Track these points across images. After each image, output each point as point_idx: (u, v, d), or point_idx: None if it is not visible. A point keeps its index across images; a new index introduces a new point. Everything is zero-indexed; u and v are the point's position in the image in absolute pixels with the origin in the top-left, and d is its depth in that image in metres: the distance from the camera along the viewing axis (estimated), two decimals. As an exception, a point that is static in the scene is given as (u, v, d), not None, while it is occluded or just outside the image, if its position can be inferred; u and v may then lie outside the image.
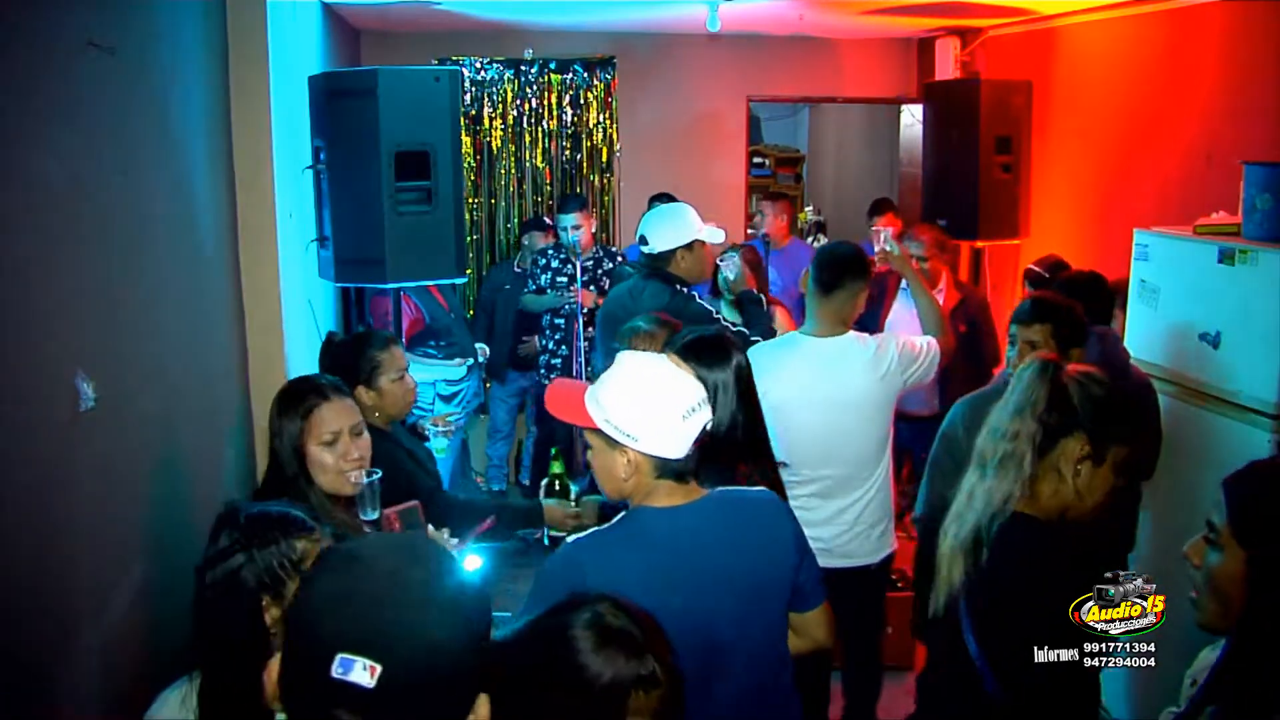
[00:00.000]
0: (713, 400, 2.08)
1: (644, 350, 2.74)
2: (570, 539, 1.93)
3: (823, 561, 2.95)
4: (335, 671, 0.97)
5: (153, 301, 2.49)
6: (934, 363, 3.07)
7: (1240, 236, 3.11)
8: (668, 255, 3.56)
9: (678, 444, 1.80)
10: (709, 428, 1.84)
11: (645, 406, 1.79)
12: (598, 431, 1.84)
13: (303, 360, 3.62)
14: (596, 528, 1.94)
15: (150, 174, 2.53)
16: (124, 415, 2.20)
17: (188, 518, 2.64)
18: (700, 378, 2.08)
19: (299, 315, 3.63)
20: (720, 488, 2.00)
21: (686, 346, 2.25)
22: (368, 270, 3.53)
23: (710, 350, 2.23)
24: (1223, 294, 3.10)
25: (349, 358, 2.67)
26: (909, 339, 3.11)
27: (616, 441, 1.81)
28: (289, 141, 3.56)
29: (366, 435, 2.26)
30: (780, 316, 4.25)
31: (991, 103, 4.88)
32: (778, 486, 2.27)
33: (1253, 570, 1.40)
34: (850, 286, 3.00)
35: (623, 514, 1.91)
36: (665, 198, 5.36)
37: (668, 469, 1.83)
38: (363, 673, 0.97)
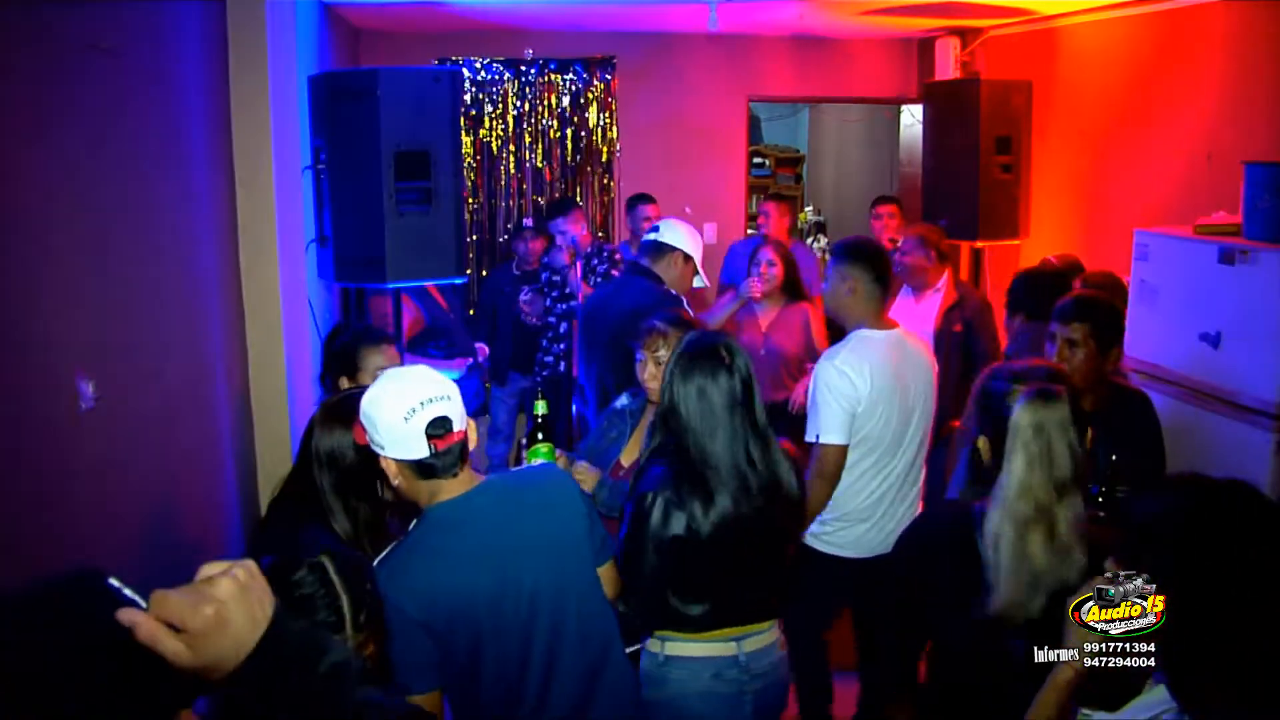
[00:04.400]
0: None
1: (658, 346, 2.76)
2: (375, 562, 1.98)
3: (869, 553, 3.05)
4: None
5: (153, 301, 2.49)
6: None
7: (1240, 236, 3.11)
8: (665, 250, 3.68)
9: (411, 445, 1.89)
10: (455, 425, 1.92)
11: (376, 417, 1.91)
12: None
13: (303, 360, 3.62)
14: (394, 543, 2.02)
15: (150, 174, 2.52)
16: (124, 415, 2.20)
17: (188, 518, 2.64)
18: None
19: (299, 315, 3.63)
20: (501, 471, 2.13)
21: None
22: (368, 270, 3.54)
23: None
24: (1223, 294, 3.10)
25: (343, 348, 2.82)
26: None
27: (377, 454, 1.95)
28: (289, 141, 3.56)
29: None
30: (814, 317, 4.36)
31: (991, 103, 4.88)
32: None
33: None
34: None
35: (415, 521, 2.01)
36: (644, 199, 5.50)
37: (428, 469, 1.93)
38: None
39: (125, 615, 0.96)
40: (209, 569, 1.03)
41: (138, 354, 2.35)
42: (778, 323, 4.39)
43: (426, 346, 4.56)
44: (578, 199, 6.45)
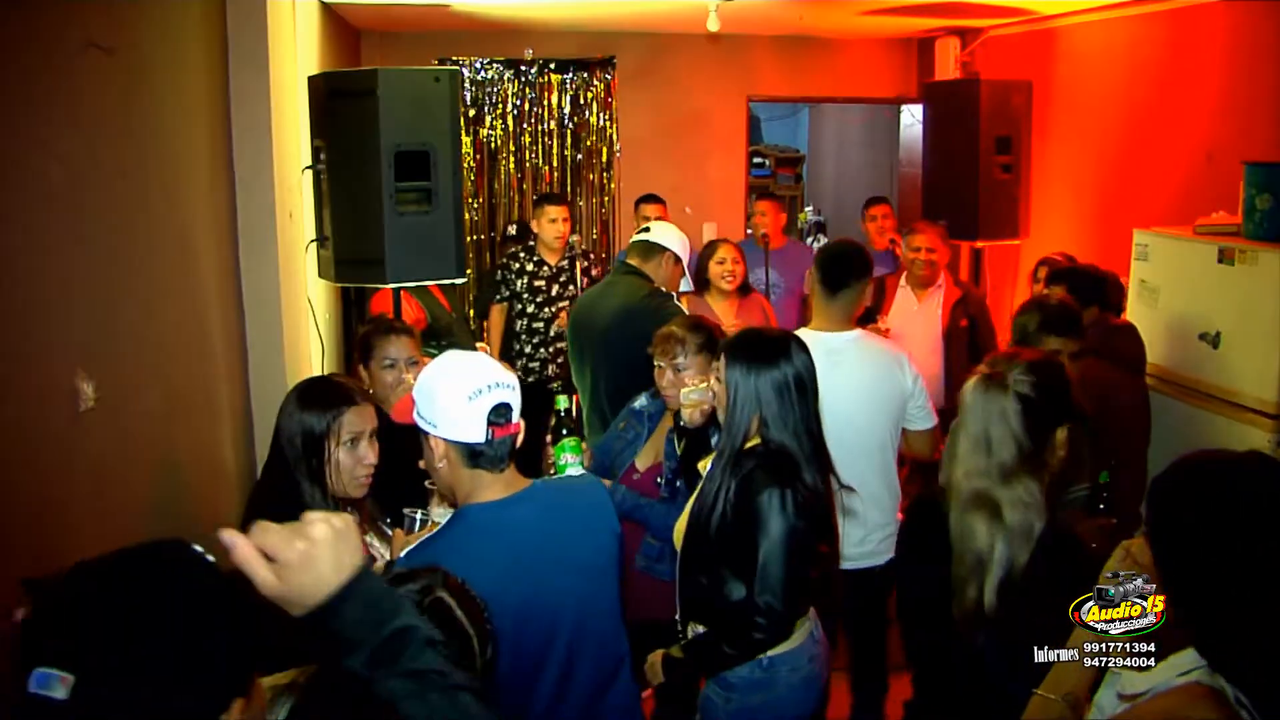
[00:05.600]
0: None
1: (675, 353, 2.74)
2: (402, 553, 1.93)
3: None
4: (32, 686, 0.99)
5: (153, 301, 2.49)
6: (929, 433, 3.10)
7: (1240, 236, 3.11)
8: (656, 251, 3.68)
9: (469, 427, 1.83)
10: (514, 416, 1.88)
11: (434, 393, 1.86)
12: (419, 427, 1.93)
13: (303, 360, 3.62)
14: (424, 536, 1.96)
15: (150, 174, 2.52)
16: (124, 415, 2.20)
17: (188, 518, 2.64)
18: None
19: (299, 315, 3.63)
20: (543, 478, 2.11)
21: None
22: (368, 270, 3.53)
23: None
24: (1223, 294, 3.11)
25: (361, 339, 2.90)
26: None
27: (426, 432, 1.89)
28: (289, 141, 3.56)
29: (375, 442, 2.23)
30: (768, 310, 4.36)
31: (991, 103, 4.88)
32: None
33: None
34: (856, 286, 3.05)
35: (451, 515, 1.95)
36: (652, 199, 5.42)
37: (476, 457, 1.86)
38: (57, 686, 0.98)
39: (227, 535, 1.06)
40: (310, 516, 1.12)
41: (138, 354, 2.35)
42: (741, 313, 4.34)
43: (427, 346, 4.56)
44: (578, 198, 6.44)
